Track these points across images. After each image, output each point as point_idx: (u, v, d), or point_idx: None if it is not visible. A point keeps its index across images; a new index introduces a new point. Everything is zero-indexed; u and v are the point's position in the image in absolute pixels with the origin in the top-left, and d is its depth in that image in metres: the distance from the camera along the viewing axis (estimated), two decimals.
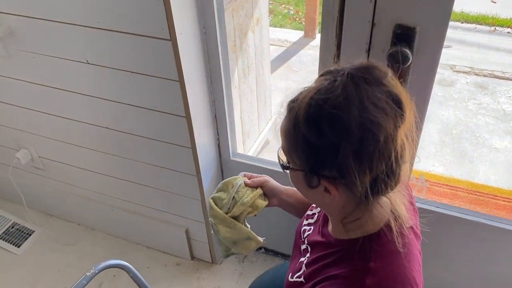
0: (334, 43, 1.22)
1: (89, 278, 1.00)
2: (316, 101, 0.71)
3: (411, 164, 0.84)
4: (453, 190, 2.36)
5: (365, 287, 0.75)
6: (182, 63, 1.30)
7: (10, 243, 2.09)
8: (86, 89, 1.55)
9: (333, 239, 0.88)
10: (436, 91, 3.28)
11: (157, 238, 2.00)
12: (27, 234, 2.14)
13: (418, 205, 1.46)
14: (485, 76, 3.47)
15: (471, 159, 2.65)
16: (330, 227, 0.92)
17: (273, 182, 1.12)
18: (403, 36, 1.12)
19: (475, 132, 2.87)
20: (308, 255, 0.94)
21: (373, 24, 1.14)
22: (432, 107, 3.10)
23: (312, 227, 1.00)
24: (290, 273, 0.96)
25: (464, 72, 3.51)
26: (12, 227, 2.16)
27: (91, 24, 1.33)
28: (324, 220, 0.96)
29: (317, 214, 1.03)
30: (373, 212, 0.81)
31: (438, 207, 1.49)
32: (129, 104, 1.50)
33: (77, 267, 2.00)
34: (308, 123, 0.72)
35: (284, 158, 0.81)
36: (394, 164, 0.72)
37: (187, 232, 1.88)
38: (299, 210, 1.14)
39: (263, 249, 2.00)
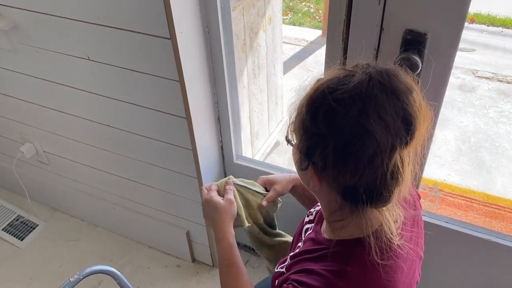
0: (341, 47, 1.15)
1: (73, 284, 0.97)
2: (324, 88, 0.70)
3: (413, 186, 0.78)
4: (468, 201, 2.27)
5: None
6: (182, 62, 1.26)
7: (14, 236, 2.10)
8: (88, 86, 1.52)
9: (322, 237, 0.87)
10: (456, 96, 3.17)
11: (158, 239, 1.97)
12: (31, 227, 2.14)
13: (425, 219, 1.39)
14: (508, 82, 3.33)
15: (489, 169, 2.54)
16: (323, 226, 0.90)
17: (272, 176, 1.18)
18: (413, 42, 1.05)
19: (494, 141, 2.75)
20: (297, 250, 0.93)
21: (381, 29, 1.08)
22: (451, 114, 2.99)
23: (312, 225, 0.99)
24: (278, 265, 0.95)
25: (486, 78, 3.38)
26: (17, 220, 2.17)
27: (92, 20, 1.30)
28: (319, 218, 0.95)
29: (314, 212, 1.02)
30: (360, 218, 0.77)
31: (445, 222, 1.41)
32: (129, 103, 1.47)
33: (78, 263, 1.98)
34: (308, 107, 0.71)
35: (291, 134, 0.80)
36: (381, 181, 0.69)
37: (188, 234, 1.84)
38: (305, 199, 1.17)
39: None
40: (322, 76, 0.74)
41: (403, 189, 0.73)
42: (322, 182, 0.75)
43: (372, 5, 1.04)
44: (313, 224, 0.98)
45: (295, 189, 1.18)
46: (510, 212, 2.20)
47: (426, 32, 1.03)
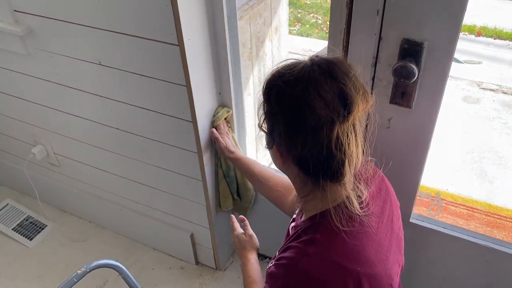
0: (341, 55, 1.20)
1: (80, 276, 1.02)
2: (275, 73, 0.85)
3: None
4: (470, 211, 2.28)
5: (308, 255, 0.84)
6: (189, 68, 1.31)
7: (23, 236, 2.15)
8: (99, 90, 1.58)
9: (299, 221, 0.98)
10: (460, 108, 3.19)
11: (163, 241, 2.02)
12: (40, 228, 2.19)
13: (425, 225, 1.42)
14: None
15: (492, 180, 2.56)
16: (302, 215, 1.00)
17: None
18: (410, 51, 1.10)
19: (498, 152, 2.77)
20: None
21: (380, 38, 1.12)
22: (455, 124, 3.01)
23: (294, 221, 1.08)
24: (270, 262, 1.02)
25: (491, 90, 3.40)
26: (26, 220, 2.22)
27: (104, 26, 1.36)
28: (300, 211, 1.04)
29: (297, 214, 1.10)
30: (324, 192, 0.87)
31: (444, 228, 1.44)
32: (138, 107, 1.52)
33: (85, 263, 2.00)
34: (264, 89, 0.87)
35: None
36: (328, 152, 0.80)
37: (192, 236, 1.88)
38: (254, 179, 1.42)
39: (268, 259, 1.99)
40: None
41: (353, 163, 0.84)
42: (283, 158, 0.88)
43: (371, 15, 1.09)
44: (295, 221, 1.05)
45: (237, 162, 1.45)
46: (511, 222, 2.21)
47: (423, 41, 1.07)
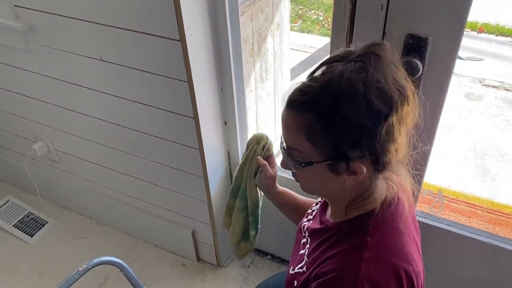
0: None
1: (81, 273, 1.01)
2: (354, 80, 0.71)
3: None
4: (472, 208, 2.28)
5: (363, 260, 0.77)
6: (191, 64, 1.30)
7: (24, 232, 2.15)
8: (100, 86, 1.57)
9: (331, 223, 0.91)
10: (463, 105, 3.18)
11: (164, 238, 2.01)
12: (41, 224, 2.18)
13: (427, 221, 1.42)
14: None
15: (494, 177, 2.55)
16: (328, 213, 0.94)
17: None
18: (415, 46, 1.08)
19: (500, 149, 2.76)
20: (307, 246, 0.95)
21: (384, 33, 1.11)
22: (457, 121, 3.00)
23: (312, 220, 1.02)
24: (291, 267, 0.98)
25: (493, 87, 3.39)
26: (27, 217, 2.22)
27: (105, 22, 1.35)
28: (322, 208, 0.98)
29: (316, 210, 1.04)
30: (376, 189, 0.83)
31: (447, 225, 1.43)
32: (139, 103, 1.51)
33: (86, 260, 1.95)
34: (344, 100, 0.72)
35: (300, 157, 0.80)
36: (380, 141, 0.74)
37: (193, 233, 1.88)
38: (286, 210, 1.30)
39: (269, 256, 1.98)
40: (312, 83, 0.75)
41: (400, 151, 0.78)
42: (359, 171, 0.77)
43: (375, 10, 1.08)
44: (311, 220, 1.01)
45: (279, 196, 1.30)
46: None
47: (427, 36, 1.06)
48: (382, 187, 0.83)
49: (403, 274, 0.78)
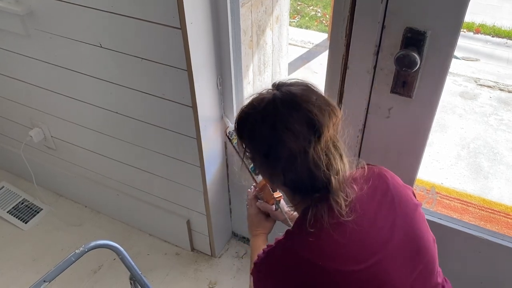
0: (344, 43, 1.20)
1: (78, 255, 1.02)
2: (243, 114, 0.92)
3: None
4: (464, 204, 2.30)
5: (279, 246, 0.91)
6: (190, 52, 1.31)
7: (18, 219, 2.15)
8: (99, 73, 1.57)
9: None
10: (457, 103, 3.21)
11: (159, 227, 2.02)
12: (35, 211, 2.19)
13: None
14: (510, 92, 3.37)
15: (486, 175, 2.58)
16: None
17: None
18: (413, 40, 1.10)
19: (493, 148, 2.79)
20: None
21: (383, 26, 1.12)
22: (452, 120, 3.03)
23: None
24: None
25: (488, 86, 3.42)
26: (22, 203, 2.22)
27: (105, 8, 1.35)
28: None
29: None
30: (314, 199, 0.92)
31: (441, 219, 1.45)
32: (138, 90, 1.52)
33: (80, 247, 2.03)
34: (236, 129, 0.95)
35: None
36: (309, 174, 0.85)
37: (188, 223, 1.89)
38: None
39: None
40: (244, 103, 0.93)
41: (340, 174, 0.86)
42: (271, 184, 1.03)
43: (375, 3, 1.09)
44: None
45: None
46: (505, 217, 2.24)
47: (426, 30, 1.07)
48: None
49: (304, 262, 0.86)
